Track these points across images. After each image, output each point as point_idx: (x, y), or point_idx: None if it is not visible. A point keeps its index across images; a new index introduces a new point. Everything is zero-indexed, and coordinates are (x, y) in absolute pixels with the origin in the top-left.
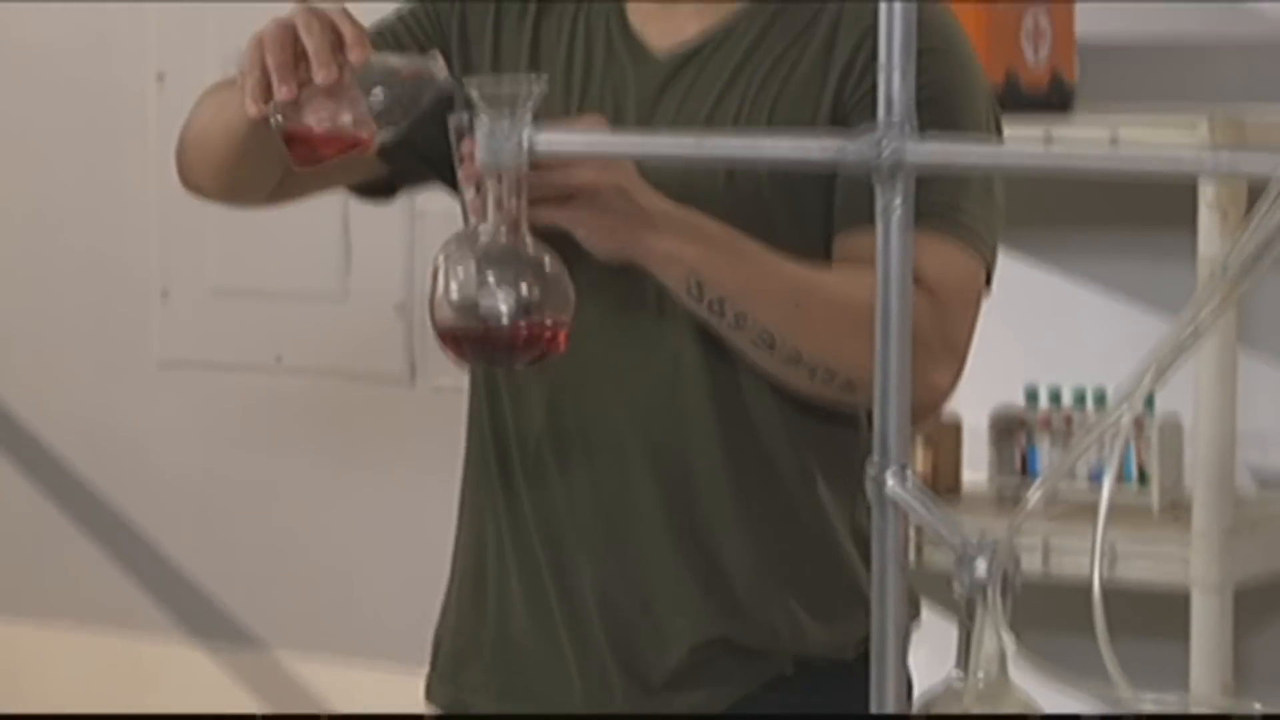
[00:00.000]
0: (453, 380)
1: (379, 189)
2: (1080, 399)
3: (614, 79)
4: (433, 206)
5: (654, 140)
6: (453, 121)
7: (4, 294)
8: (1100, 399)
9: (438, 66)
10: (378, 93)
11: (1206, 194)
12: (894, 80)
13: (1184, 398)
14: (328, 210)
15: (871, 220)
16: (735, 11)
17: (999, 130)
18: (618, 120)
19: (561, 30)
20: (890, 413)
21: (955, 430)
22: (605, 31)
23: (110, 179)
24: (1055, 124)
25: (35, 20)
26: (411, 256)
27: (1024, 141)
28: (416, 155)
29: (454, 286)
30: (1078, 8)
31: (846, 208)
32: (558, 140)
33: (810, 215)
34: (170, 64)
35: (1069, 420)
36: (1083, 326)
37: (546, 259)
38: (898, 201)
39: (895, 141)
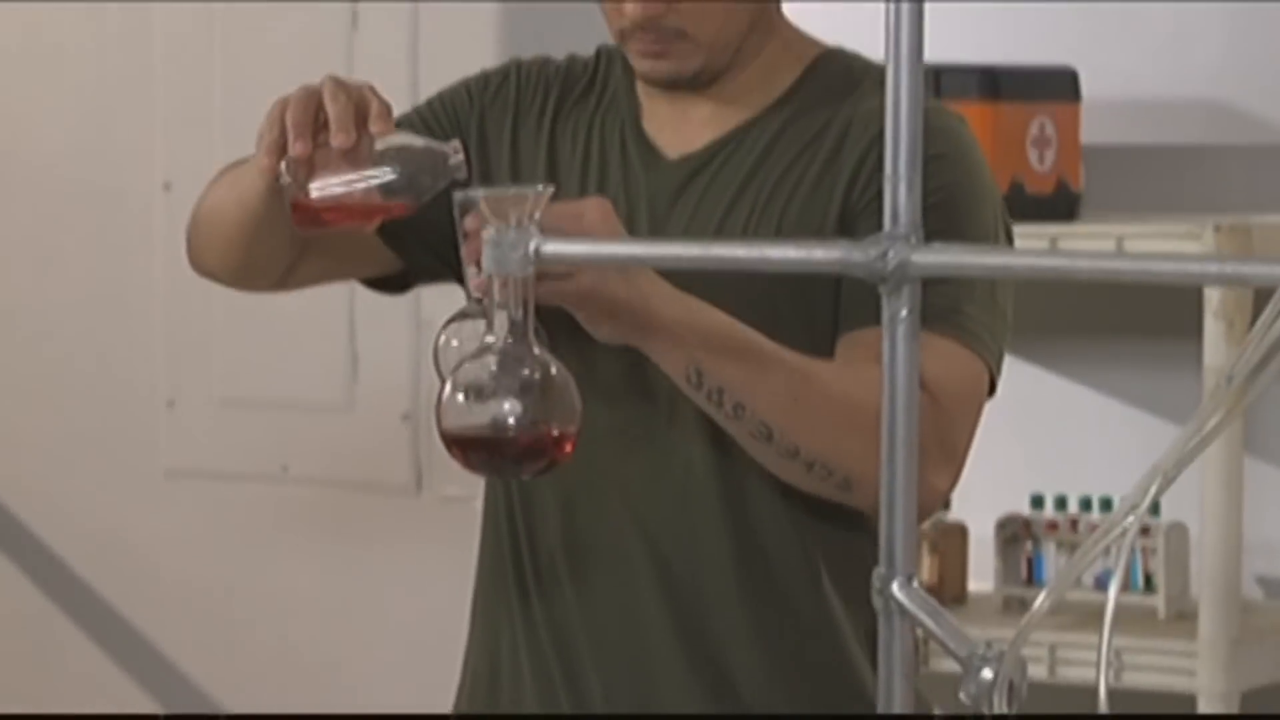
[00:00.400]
0: (460, 489)
1: (391, 282)
2: (1086, 506)
3: (628, 185)
4: (440, 316)
5: (661, 247)
6: (458, 197)
7: (11, 402)
8: (1106, 506)
9: (455, 153)
10: (392, 169)
11: (1212, 302)
12: (900, 190)
13: (1190, 505)
14: (334, 319)
15: (875, 320)
16: (747, 119)
17: (1009, 236)
18: (631, 226)
19: (578, 134)
20: (896, 522)
21: (961, 537)
22: (620, 137)
23: (117, 287)
24: (1060, 231)
25: (42, 127)
26: (418, 366)
27: (1031, 252)
28: (431, 252)
29: (461, 395)
30: (1083, 114)
31: (851, 307)
32: (565, 249)
33: (817, 314)
34: (177, 173)
35: (1075, 527)
36: (1089, 434)
37: (553, 367)
38: (904, 311)
39: (901, 251)
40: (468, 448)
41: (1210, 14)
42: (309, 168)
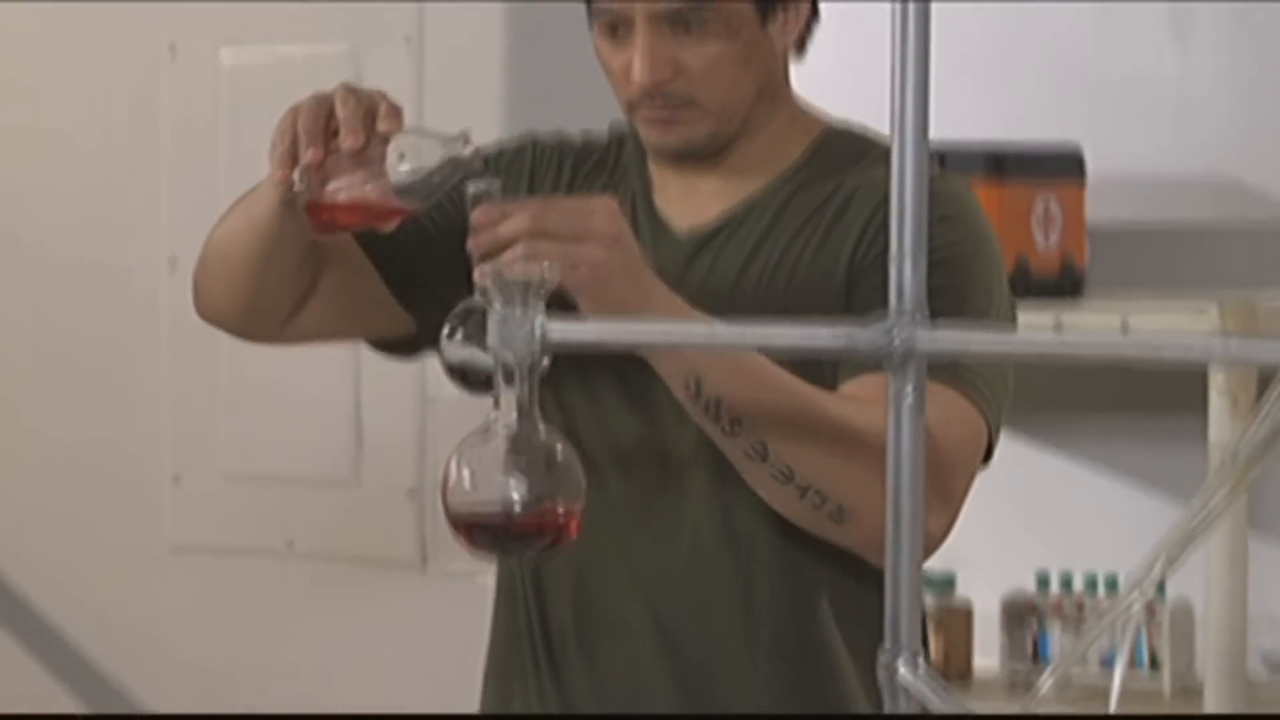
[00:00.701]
0: (465, 565)
1: (399, 345)
2: (1092, 584)
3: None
4: (445, 392)
5: (668, 328)
6: (471, 187)
7: (17, 476)
8: (1112, 584)
9: (466, 145)
10: (404, 168)
11: (1217, 379)
12: (905, 269)
13: (1195, 582)
14: (339, 395)
15: (876, 367)
16: (755, 192)
17: (1013, 309)
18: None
19: None
20: (901, 599)
21: (966, 615)
22: (631, 210)
23: (123, 363)
24: (1066, 309)
25: (48, 203)
26: (423, 441)
27: (1035, 329)
28: (444, 313)
29: (466, 474)
30: (1088, 192)
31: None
32: (571, 330)
33: (819, 361)
34: (182, 249)
35: (1080, 606)
36: (1094, 512)
37: (559, 446)
38: (909, 389)
39: (906, 330)
40: (473, 528)
41: (1214, 92)
42: (323, 173)
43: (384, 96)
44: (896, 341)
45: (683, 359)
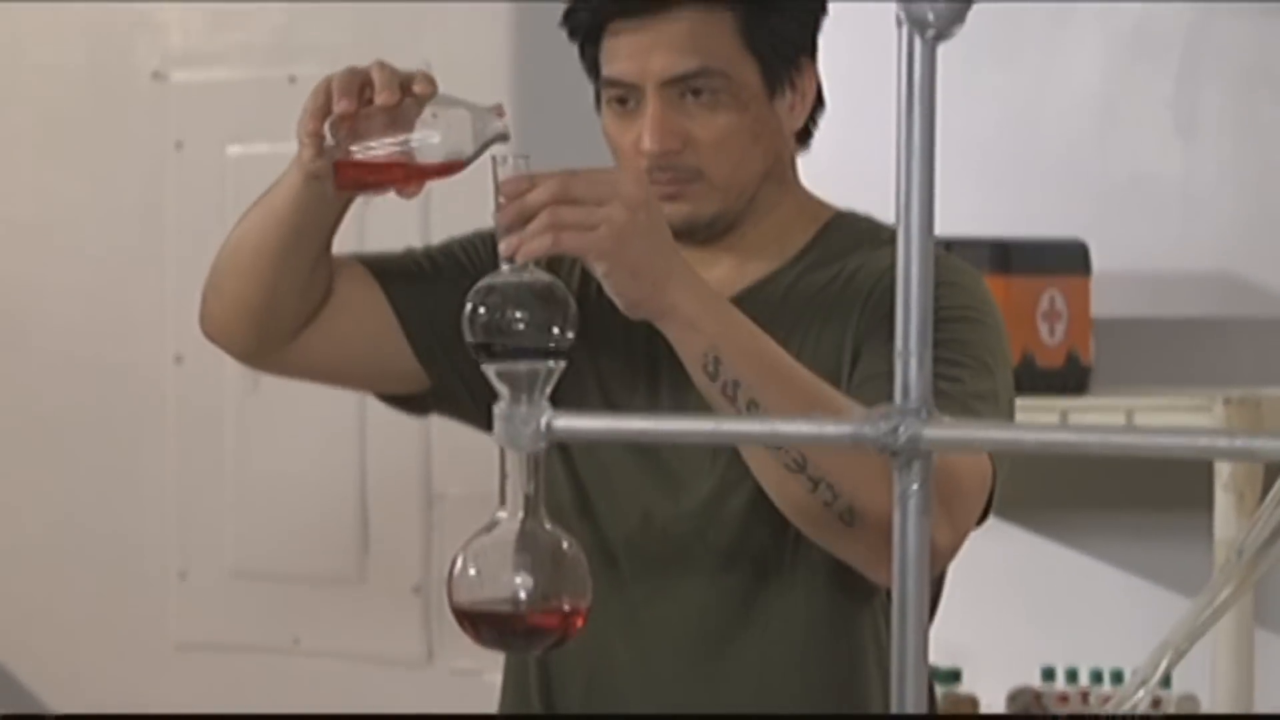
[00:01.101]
0: (471, 662)
1: (411, 402)
2: (1097, 679)
3: (649, 340)
4: (451, 490)
5: (674, 422)
6: (495, 156)
7: (23, 571)
8: (1118, 679)
9: (500, 122)
10: (433, 130)
11: (1222, 475)
12: (911, 366)
13: (1200, 676)
14: (344, 491)
15: (887, 400)
16: (763, 276)
17: (1013, 393)
18: (652, 382)
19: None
20: (906, 696)
21: (972, 708)
22: None
23: (128, 459)
24: (1071, 404)
25: (54, 299)
26: (429, 538)
27: (1041, 426)
28: (459, 376)
29: (473, 570)
30: (1093, 286)
31: (862, 389)
32: (577, 425)
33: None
34: (188, 346)
35: (1086, 699)
36: (1099, 607)
37: (564, 542)
38: (914, 486)
39: (912, 426)
40: (479, 623)
41: (1218, 189)
42: (354, 128)
43: (420, 71)
44: (902, 436)
45: (703, 335)
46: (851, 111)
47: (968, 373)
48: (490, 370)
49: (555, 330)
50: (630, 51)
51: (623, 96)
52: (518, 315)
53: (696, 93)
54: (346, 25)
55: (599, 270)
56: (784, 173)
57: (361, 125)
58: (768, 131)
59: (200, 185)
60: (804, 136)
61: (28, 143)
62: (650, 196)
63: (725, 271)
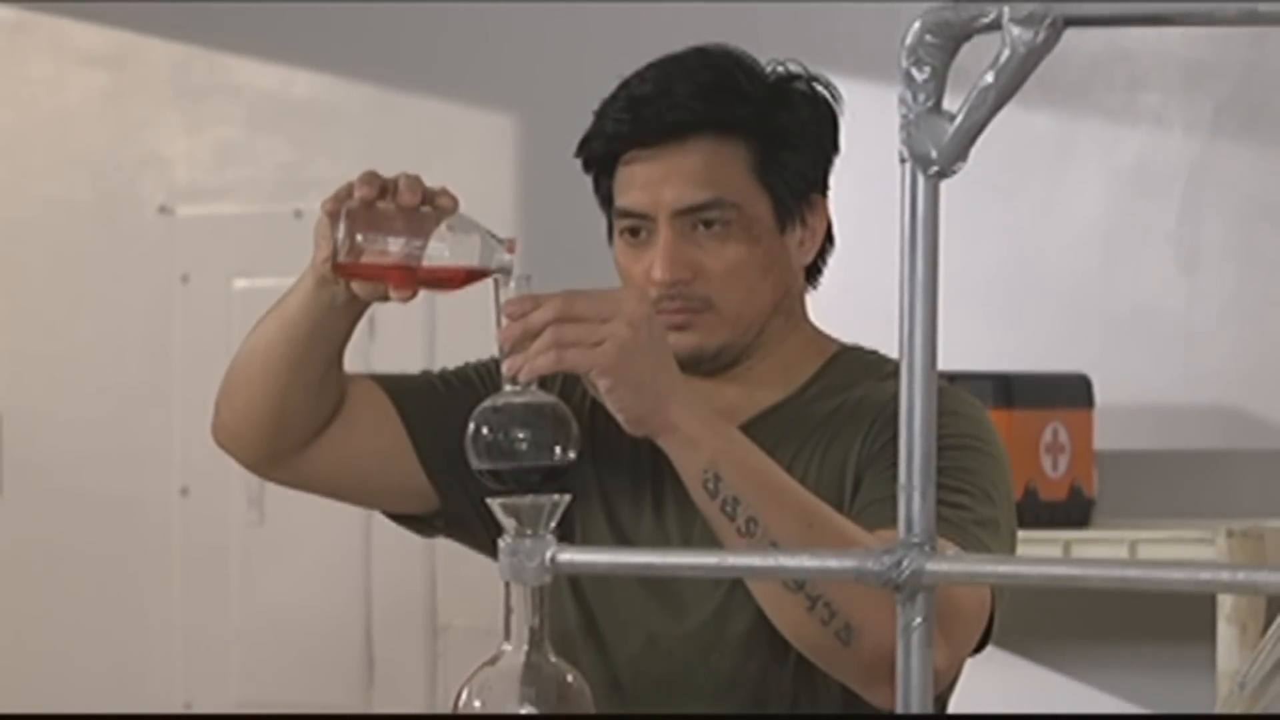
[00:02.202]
0: None
1: (419, 523)
2: None
3: (656, 471)
4: (456, 621)
5: (678, 556)
6: (501, 280)
7: (29, 704)
8: None
9: (509, 256)
10: (440, 243)
11: (1225, 607)
12: (914, 499)
13: None
14: (349, 623)
15: (890, 524)
16: (768, 407)
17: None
18: (658, 493)
19: (611, 420)
20: None
21: None
22: None
23: (134, 592)
24: (1074, 536)
25: (60, 432)
26: (434, 671)
27: (1044, 560)
28: (469, 499)
29: (478, 704)
30: (1096, 419)
31: (864, 513)
32: (582, 559)
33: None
34: (194, 478)
35: None
36: None
37: (569, 675)
38: (918, 620)
39: (915, 560)
40: None
41: (1221, 323)
42: (369, 222)
43: (445, 187)
44: (906, 570)
45: (703, 452)
46: (855, 244)
47: (970, 499)
48: (495, 504)
49: (558, 449)
50: (643, 182)
51: (635, 227)
52: (520, 435)
53: (708, 224)
54: (353, 160)
55: (602, 386)
56: (793, 307)
57: (378, 219)
58: (778, 265)
59: (206, 318)
60: (813, 274)
61: (35, 275)
62: (651, 313)
63: (732, 401)
